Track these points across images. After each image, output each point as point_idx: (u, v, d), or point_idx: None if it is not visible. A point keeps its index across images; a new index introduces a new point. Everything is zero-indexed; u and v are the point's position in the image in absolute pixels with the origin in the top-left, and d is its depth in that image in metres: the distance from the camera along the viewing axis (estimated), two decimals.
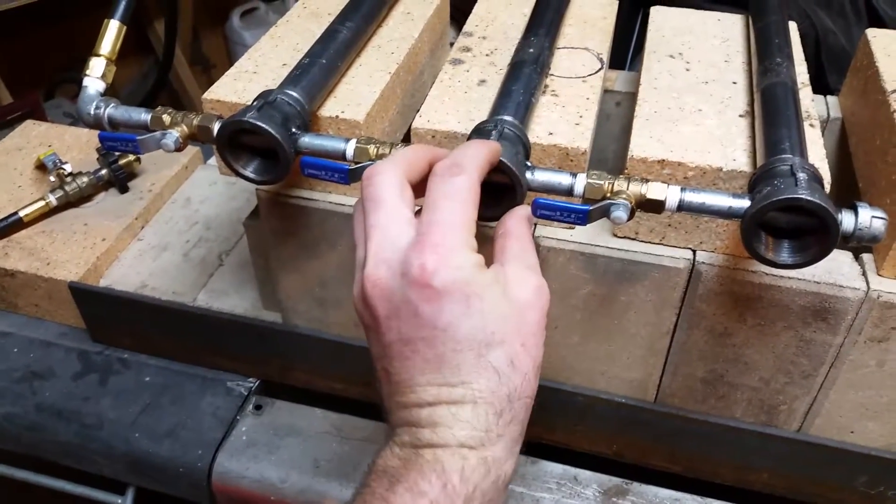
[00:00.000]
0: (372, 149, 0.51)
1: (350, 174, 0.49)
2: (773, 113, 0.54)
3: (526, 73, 0.59)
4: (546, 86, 0.63)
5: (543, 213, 0.46)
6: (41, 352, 0.79)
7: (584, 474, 0.71)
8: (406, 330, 0.41)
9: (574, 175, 0.48)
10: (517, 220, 0.46)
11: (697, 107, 0.61)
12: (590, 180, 0.47)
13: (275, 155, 0.51)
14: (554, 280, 0.61)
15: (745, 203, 0.46)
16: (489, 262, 0.43)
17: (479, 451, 0.40)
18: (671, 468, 0.70)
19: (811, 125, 0.58)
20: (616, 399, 0.67)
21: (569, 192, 0.47)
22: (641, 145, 0.56)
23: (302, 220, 0.64)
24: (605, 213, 0.46)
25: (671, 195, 0.46)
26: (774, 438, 0.65)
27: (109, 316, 0.79)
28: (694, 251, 0.58)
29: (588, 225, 0.53)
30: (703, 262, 0.57)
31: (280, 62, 0.65)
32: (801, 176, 0.44)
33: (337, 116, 0.59)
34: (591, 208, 0.45)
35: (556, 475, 0.71)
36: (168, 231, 0.87)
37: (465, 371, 0.40)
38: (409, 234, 0.41)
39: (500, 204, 0.47)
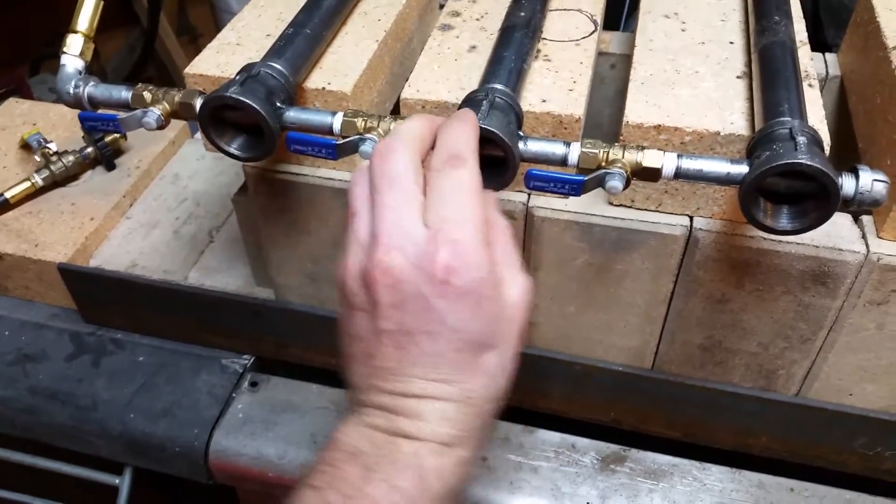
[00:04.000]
0: (360, 122, 0.49)
1: (338, 149, 0.47)
2: (771, 74, 0.53)
3: (517, 38, 0.57)
4: (538, 50, 0.61)
5: (537, 184, 0.45)
6: (33, 334, 0.79)
7: (582, 442, 0.71)
8: (410, 322, 0.40)
9: (568, 144, 0.46)
10: (495, 207, 0.45)
11: (694, 69, 0.59)
12: (584, 149, 0.46)
13: (259, 131, 0.49)
14: (549, 250, 0.60)
15: (743, 169, 0.45)
16: None
17: (456, 451, 0.40)
18: (669, 434, 0.70)
19: (810, 85, 0.57)
20: (613, 367, 0.66)
21: (563, 162, 0.46)
22: (637, 111, 0.54)
23: (291, 195, 0.63)
24: (600, 182, 0.45)
25: (668, 163, 0.45)
26: (773, 403, 0.65)
27: (100, 296, 0.78)
28: (691, 217, 0.57)
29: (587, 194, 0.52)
30: (701, 229, 0.56)
31: (264, 33, 0.63)
32: (801, 140, 0.43)
33: (323, 88, 0.57)
34: (585, 179, 0.44)
35: (553, 443, 0.71)
36: (157, 208, 0.85)
37: (460, 371, 0.40)
38: (422, 223, 0.40)
39: (493, 177, 0.46)
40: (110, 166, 0.86)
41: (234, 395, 0.73)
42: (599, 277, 0.61)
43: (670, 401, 0.67)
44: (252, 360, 0.76)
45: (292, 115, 0.50)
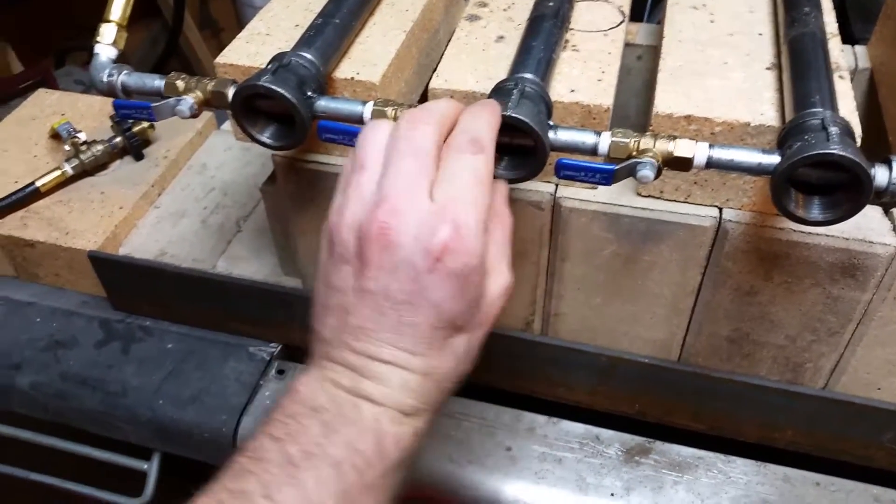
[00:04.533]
0: (389, 111, 0.49)
1: None
2: (801, 65, 0.52)
3: (546, 28, 0.57)
4: (566, 41, 0.61)
5: (567, 173, 0.45)
6: (64, 321, 0.80)
7: (607, 434, 0.71)
8: (395, 288, 0.40)
9: (598, 133, 0.46)
10: (503, 200, 0.46)
11: (723, 60, 0.59)
12: (615, 139, 0.46)
13: (291, 120, 0.50)
14: (577, 241, 0.60)
15: (775, 159, 0.44)
16: None
17: (413, 421, 0.42)
18: (695, 427, 0.70)
19: (840, 77, 0.57)
20: (639, 359, 0.66)
21: (593, 151, 0.46)
22: (666, 101, 0.54)
23: (319, 184, 0.63)
24: (631, 172, 0.45)
25: (699, 152, 0.45)
26: (800, 396, 0.64)
27: (130, 284, 0.79)
28: (720, 209, 0.57)
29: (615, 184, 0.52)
30: (730, 220, 0.56)
31: (293, 23, 0.64)
32: (833, 130, 0.43)
33: (352, 78, 0.58)
34: (616, 168, 0.44)
35: (577, 435, 0.71)
36: (185, 198, 0.86)
37: (431, 346, 0.41)
38: (429, 198, 0.41)
39: (522, 167, 0.46)
40: (139, 156, 0.87)
41: (261, 382, 0.74)
42: (627, 268, 0.61)
43: (696, 393, 0.67)
44: (279, 349, 0.77)
45: (323, 104, 0.50)
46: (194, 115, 0.51)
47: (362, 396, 0.41)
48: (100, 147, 0.84)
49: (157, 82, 0.54)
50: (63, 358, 0.77)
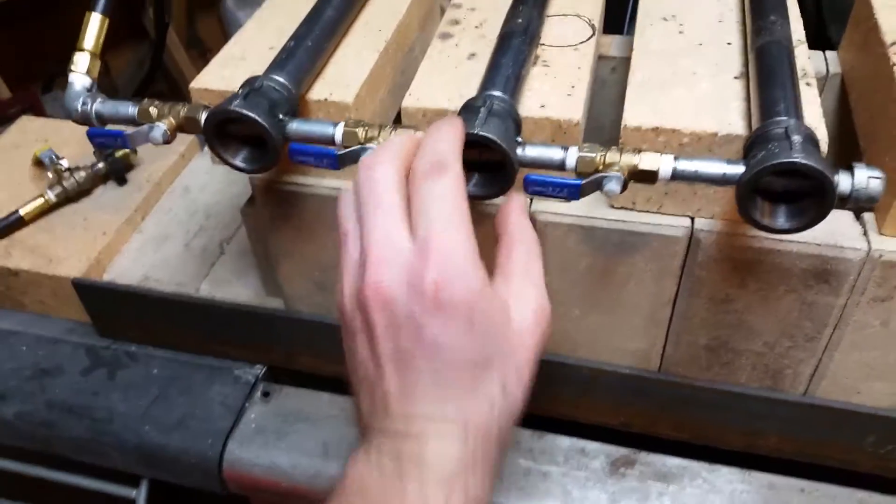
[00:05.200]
0: (361, 132, 0.50)
1: (339, 159, 0.48)
2: (767, 74, 0.53)
3: (515, 45, 0.58)
4: (537, 56, 0.62)
5: (535, 189, 0.45)
6: (49, 349, 0.80)
7: (592, 446, 0.71)
8: (406, 343, 0.39)
9: (565, 149, 0.47)
10: (520, 214, 0.44)
11: (692, 70, 0.60)
12: (581, 153, 0.46)
13: (263, 143, 0.50)
14: (552, 254, 0.61)
15: (739, 169, 0.45)
16: (487, 252, 0.42)
17: (460, 478, 0.39)
18: (678, 436, 0.70)
19: (808, 84, 0.57)
20: (620, 370, 0.66)
21: (561, 166, 0.47)
22: (635, 113, 0.55)
23: (297, 205, 0.63)
24: (597, 186, 0.45)
25: (664, 165, 0.46)
26: (780, 402, 0.65)
27: (114, 310, 0.79)
28: (692, 218, 0.57)
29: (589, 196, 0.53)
30: (702, 230, 0.56)
31: (267, 45, 0.64)
32: (796, 138, 0.43)
33: (325, 99, 0.58)
34: (583, 182, 0.45)
35: (563, 448, 0.71)
36: (168, 221, 0.87)
37: (459, 392, 0.39)
38: (409, 238, 0.40)
39: (492, 183, 0.47)
40: (122, 181, 0.87)
41: (246, 405, 0.74)
42: (603, 280, 0.61)
43: (678, 403, 0.68)
44: (264, 370, 0.77)
45: (295, 126, 0.51)
46: (167, 142, 0.52)
47: (405, 458, 0.38)
48: (82, 173, 0.84)
49: (131, 109, 0.54)
50: (49, 386, 0.77)
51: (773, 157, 0.43)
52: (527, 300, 0.42)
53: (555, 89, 0.58)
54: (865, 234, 0.55)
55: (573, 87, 0.58)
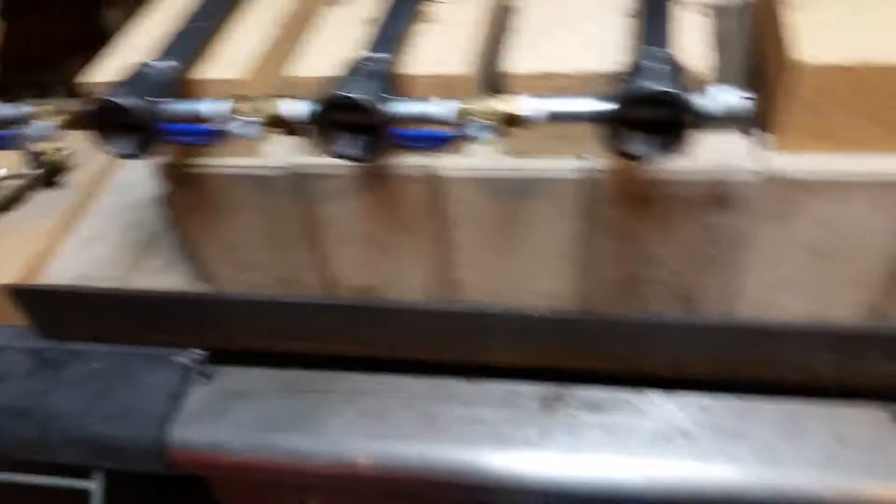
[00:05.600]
0: (247, 107, 0.51)
1: (214, 136, 0.49)
2: (643, 8, 0.54)
3: (401, 3, 0.58)
4: (425, 11, 0.62)
5: (406, 143, 0.46)
6: None
7: (522, 387, 0.72)
8: None
9: (434, 102, 0.48)
10: None
11: (581, 12, 0.60)
12: (454, 105, 0.47)
13: (142, 129, 0.51)
14: (458, 207, 0.62)
15: (604, 105, 0.46)
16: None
17: None
18: (605, 369, 0.72)
19: (705, 14, 0.58)
20: (538, 313, 0.68)
21: (434, 119, 0.48)
22: (520, 59, 0.56)
23: (203, 187, 0.64)
24: (469, 135, 0.46)
25: (533, 107, 0.47)
26: (696, 327, 0.66)
27: (54, 311, 0.80)
28: (587, 159, 0.58)
29: (484, 147, 0.54)
30: (598, 169, 0.57)
31: (160, 33, 0.65)
32: (653, 66, 0.45)
33: (215, 79, 0.59)
34: (452, 134, 0.46)
35: (496, 393, 0.72)
36: (101, 220, 0.87)
37: None
38: None
39: (366, 145, 0.48)
40: (55, 183, 0.88)
41: (187, 388, 0.75)
42: (510, 228, 0.63)
43: (601, 339, 0.69)
44: (201, 354, 0.78)
45: (174, 107, 0.52)
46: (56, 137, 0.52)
47: None
48: (14, 182, 0.85)
49: (8, 111, 0.55)
50: None
51: (629, 88, 0.44)
52: None
53: (446, 45, 0.59)
54: (760, 153, 0.56)
55: (463, 40, 0.59)
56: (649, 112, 0.46)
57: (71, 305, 0.78)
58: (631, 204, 0.59)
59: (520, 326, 0.70)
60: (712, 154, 0.57)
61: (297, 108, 0.49)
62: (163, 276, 0.80)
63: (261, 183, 0.63)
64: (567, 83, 0.54)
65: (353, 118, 0.48)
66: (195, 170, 0.63)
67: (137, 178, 0.93)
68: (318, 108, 0.48)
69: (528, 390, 0.72)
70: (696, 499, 0.66)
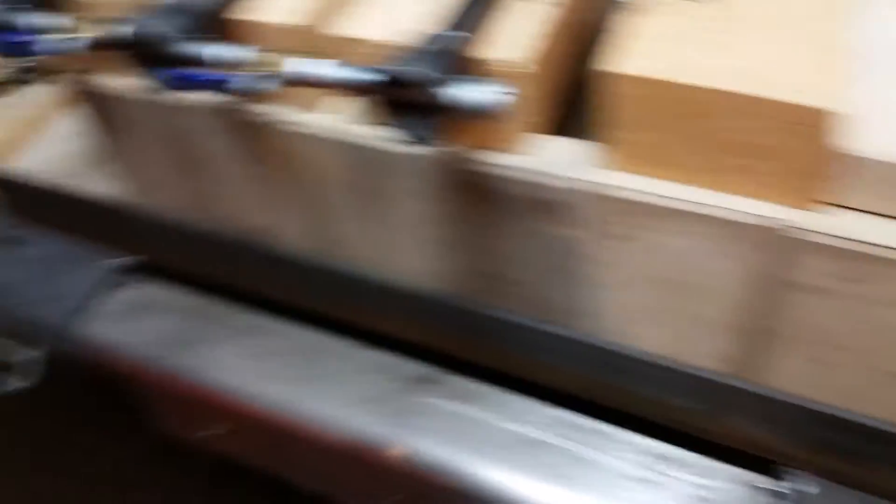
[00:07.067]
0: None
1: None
2: None
3: None
4: None
5: (180, 84, 0.47)
6: None
7: (398, 361, 0.72)
8: None
9: (232, 45, 0.49)
10: None
11: None
12: (249, 52, 0.48)
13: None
14: (316, 165, 0.62)
15: (366, 77, 0.45)
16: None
17: None
18: (469, 359, 0.70)
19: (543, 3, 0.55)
20: (401, 285, 0.67)
21: (222, 62, 0.49)
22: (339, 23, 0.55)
23: (110, 107, 0.69)
24: (248, 83, 0.47)
25: (297, 67, 0.47)
26: (554, 337, 0.63)
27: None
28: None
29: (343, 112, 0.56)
30: (441, 151, 0.56)
31: None
32: (431, 48, 0.43)
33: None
34: (229, 77, 0.47)
35: (369, 359, 0.72)
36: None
37: None
38: None
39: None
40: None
41: (102, 291, 0.81)
42: (368, 196, 0.62)
43: (462, 327, 0.67)
44: (125, 261, 0.83)
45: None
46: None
47: None
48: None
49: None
50: None
51: (390, 66, 0.43)
52: None
53: None
54: (592, 167, 0.53)
55: None
56: (403, 93, 0.45)
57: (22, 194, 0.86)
58: (470, 194, 0.57)
59: (386, 295, 0.70)
60: (545, 157, 0.54)
61: None
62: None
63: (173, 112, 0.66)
64: (371, 52, 0.52)
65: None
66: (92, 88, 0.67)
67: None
68: None
69: (402, 365, 0.72)
70: None
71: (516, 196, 0.56)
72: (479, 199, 0.57)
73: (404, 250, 0.66)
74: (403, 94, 0.45)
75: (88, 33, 0.52)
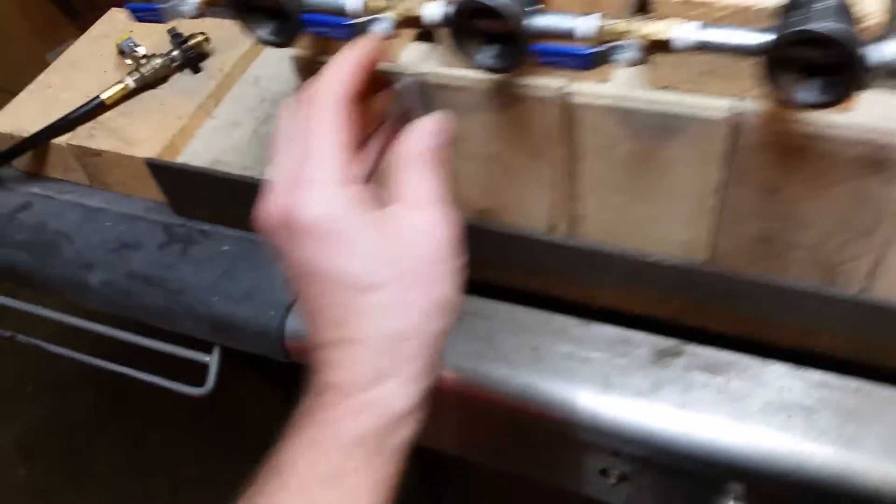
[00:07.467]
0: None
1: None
2: None
3: None
4: None
5: (543, 59, 0.44)
6: (130, 225, 0.86)
7: (637, 336, 0.70)
8: (289, 270, 0.41)
9: (578, 16, 0.45)
10: (411, 144, 0.43)
11: None
12: (596, 22, 0.44)
13: (284, 15, 0.51)
14: (591, 137, 0.59)
15: (764, 38, 0.42)
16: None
17: (367, 393, 0.39)
18: (727, 331, 0.69)
19: None
20: (664, 261, 0.65)
21: (574, 35, 0.45)
22: None
23: None
24: (610, 56, 0.43)
25: (683, 33, 0.43)
26: (834, 300, 0.62)
27: (188, 190, 0.84)
28: (736, 100, 0.54)
29: (624, 76, 0.51)
30: (746, 112, 0.53)
31: None
32: (820, 5, 0.40)
33: None
34: (593, 51, 0.43)
35: (607, 337, 0.71)
36: (239, 109, 0.90)
37: (342, 314, 0.39)
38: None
39: (503, 55, 0.46)
40: (196, 69, 0.91)
41: None
42: (644, 166, 0.59)
43: (726, 296, 0.65)
44: None
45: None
46: (196, 16, 0.53)
47: (320, 389, 0.40)
48: (158, 60, 0.88)
49: None
50: (129, 258, 0.83)
51: (792, 25, 0.39)
52: (412, 215, 0.41)
53: None
54: None
55: None
56: (811, 53, 0.41)
57: (205, 187, 0.82)
58: (780, 155, 0.54)
59: (639, 271, 0.67)
60: (877, 111, 0.51)
61: (433, 10, 0.47)
62: None
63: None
64: (720, 15, 0.50)
65: (490, 26, 0.46)
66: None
67: (274, 71, 0.94)
68: (454, 11, 0.46)
69: (640, 339, 0.70)
70: (808, 478, 0.62)
71: (833, 151, 0.53)
72: (787, 157, 0.54)
73: (663, 222, 0.63)
74: (813, 56, 0.41)
75: (396, 12, 0.48)
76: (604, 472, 0.78)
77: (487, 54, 0.47)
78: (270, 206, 0.41)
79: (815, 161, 0.53)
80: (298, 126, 0.42)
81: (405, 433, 0.40)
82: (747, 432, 0.64)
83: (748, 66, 0.52)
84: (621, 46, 0.43)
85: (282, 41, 0.53)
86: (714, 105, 0.54)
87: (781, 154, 0.54)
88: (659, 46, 0.43)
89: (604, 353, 0.70)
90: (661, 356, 0.69)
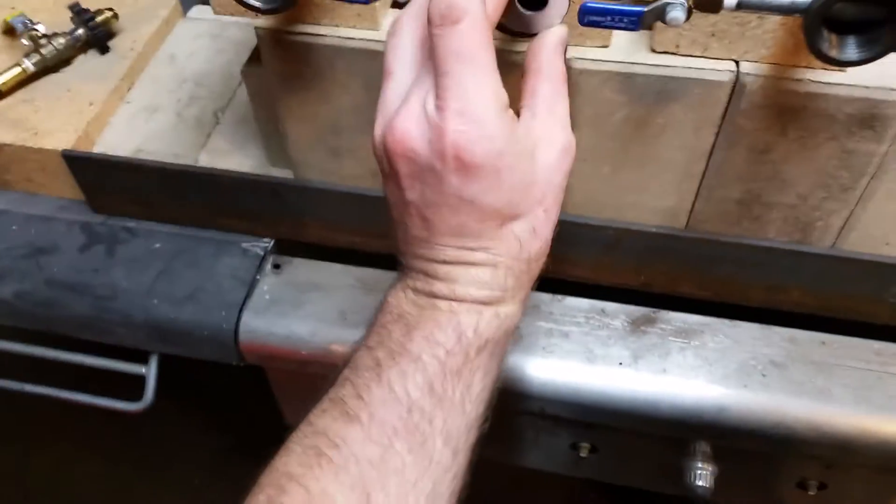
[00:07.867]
0: None
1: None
2: None
3: None
4: None
5: (592, 18, 0.42)
6: (42, 227, 0.76)
7: (612, 306, 0.70)
8: (430, 195, 0.40)
9: None
10: (551, 52, 0.43)
11: None
12: None
13: None
14: (586, 105, 0.58)
15: None
16: (513, 95, 0.41)
17: (493, 308, 0.42)
18: (700, 294, 0.70)
19: None
20: (644, 229, 0.65)
21: None
22: None
23: (310, 59, 0.59)
24: (660, 14, 0.42)
25: None
26: (807, 256, 0.64)
27: (109, 184, 0.75)
28: (738, 62, 0.54)
29: (622, 42, 0.50)
30: (748, 73, 0.54)
31: None
32: None
33: None
34: (645, 9, 0.42)
35: (583, 310, 0.70)
36: (157, 91, 0.81)
37: (486, 238, 0.41)
38: (434, 96, 0.39)
39: (543, 9, 0.43)
40: (103, 49, 0.81)
41: (257, 277, 0.72)
42: (638, 133, 0.59)
43: (702, 260, 0.67)
44: (272, 243, 0.74)
45: None
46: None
47: (439, 297, 0.41)
48: (62, 40, 0.78)
49: None
50: (46, 265, 0.73)
51: None
52: (553, 139, 0.42)
53: None
54: None
55: None
56: (855, 11, 0.42)
57: (131, 179, 0.73)
58: (775, 116, 0.55)
59: (620, 242, 0.67)
60: (873, 71, 0.53)
61: None
62: (231, 156, 0.75)
63: (372, 58, 0.58)
64: None
65: None
66: (299, 38, 0.58)
67: (190, 48, 0.87)
68: None
69: (615, 309, 0.70)
70: (786, 431, 0.64)
71: (826, 110, 0.54)
72: (781, 117, 0.55)
73: (648, 189, 0.63)
74: (857, 12, 0.42)
75: None
76: (574, 446, 0.78)
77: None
78: (412, 129, 0.39)
79: (809, 119, 0.55)
80: (442, 44, 0.38)
81: (508, 347, 0.45)
82: (728, 394, 0.65)
83: (751, 28, 0.53)
84: (672, 4, 0.41)
85: (275, 7, 0.48)
86: (718, 67, 0.54)
87: (777, 114, 0.55)
88: (707, 5, 0.42)
89: (581, 326, 0.69)
90: (637, 325, 0.69)
